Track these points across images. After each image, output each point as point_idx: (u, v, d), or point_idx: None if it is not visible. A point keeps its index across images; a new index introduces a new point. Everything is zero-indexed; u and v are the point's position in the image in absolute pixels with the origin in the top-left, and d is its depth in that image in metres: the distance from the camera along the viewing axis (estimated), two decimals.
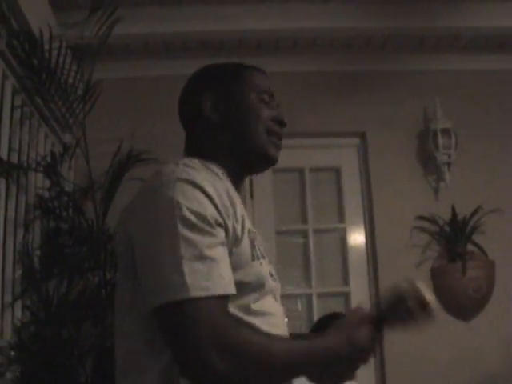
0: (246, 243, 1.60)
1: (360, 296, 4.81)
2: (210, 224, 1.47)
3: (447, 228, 4.78)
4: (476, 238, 4.73)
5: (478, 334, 4.64)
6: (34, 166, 3.90)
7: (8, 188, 3.60)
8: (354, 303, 4.81)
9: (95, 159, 3.98)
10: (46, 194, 4.04)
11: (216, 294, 1.42)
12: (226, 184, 1.64)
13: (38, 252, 3.92)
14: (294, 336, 1.87)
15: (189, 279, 1.39)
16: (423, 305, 1.78)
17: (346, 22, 4.62)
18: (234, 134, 1.77)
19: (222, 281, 1.45)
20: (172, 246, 1.42)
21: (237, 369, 1.40)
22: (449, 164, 4.88)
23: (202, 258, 1.43)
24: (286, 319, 1.92)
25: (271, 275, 1.72)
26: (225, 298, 1.46)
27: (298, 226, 5.15)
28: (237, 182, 1.77)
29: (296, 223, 5.15)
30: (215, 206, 1.50)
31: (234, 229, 1.55)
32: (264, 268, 1.67)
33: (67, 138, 4.55)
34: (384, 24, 4.64)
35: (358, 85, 5.08)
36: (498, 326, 4.66)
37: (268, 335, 1.52)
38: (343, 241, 5.04)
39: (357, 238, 5.00)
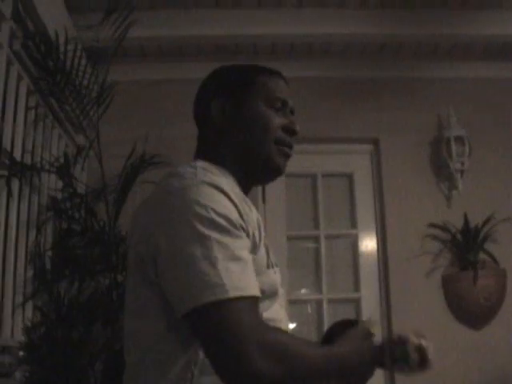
0: (262, 251, 1.59)
1: (371, 302, 4.80)
2: (236, 227, 1.46)
3: (459, 236, 4.76)
4: (488, 246, 4.71)
5: (489, 343, 4.62)
6: (47, 166, 3.91)
7: (21, 189, 3.61)
8: (364, 309, 4.80)
9: (108, 161, 3.98)
10: (59, 196, 4.05)
11: (251, 294, 1.41)
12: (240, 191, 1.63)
13: (49, 253, 3.93)
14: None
15: (226, 280, 1.37)
16: (423, 362, 1.78)
17: (361, 28, 4.61)
18: (239, 142, 1.74)
19: (254, 282, 1.44)
20: (205, 248, 1.40)
21: (279, 370, 1.37)
22: (462, 172, 4.87)
23: (234, 258, 1.41)
24: (292, 325, 1.92)
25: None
26: (257, 299, 1.44)
27: (309, 232, 5.15)
28: (244, 191, 1.73)
29: (308, 228, 5.14)
30: (238, 211, 1.49)
31: (254, 236, 1.54)
32: (277, 276, 1.67)
33: (81, 139, 4.56)
34: (399, 31, 4.64)
35: (372, 91, 5.08)
36: (508, 335, 4.64)
37: (302, 338, 1.51)
38: (355, 247, 5.03)
39: (368, 244, 4.99)
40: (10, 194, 3.40)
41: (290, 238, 5.00)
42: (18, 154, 3.52)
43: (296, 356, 1.42)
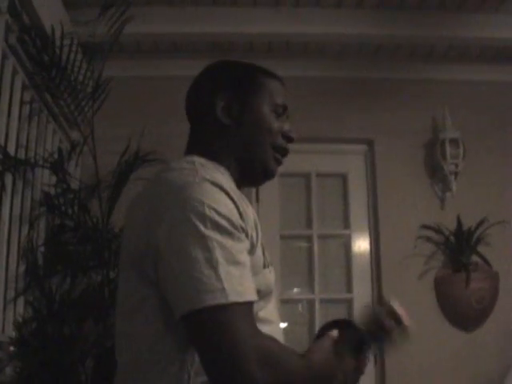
0: (259, 251, 1.58)
1: (363, 303, 4.80)
2: (237, 229, 1.44)
3: (452, 238, 4.77)
4: (481, 249, 4.72)
5: (481, 345, 4.63)
6: (40, 162, 3.90)
7: (14, 183, 3.60)
8: (356, 310, 4.80)
9: (102, 157, 3.97)
10: (52, 191, 4.04)
11: (248, 299, 1.40)
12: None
13: (42, 248, 3.93)
14: None
15: (226, 284, 1.36)
16: (397, 321, 1.79)
17: (357, 28, 4.61)
18: (241, 142, 1.73)
19: (251, 287, 1.43)
20: (207, 250, 1.38)
21: (272, 378, 1.36)
22: (456, 174, 4.88)
23: (234, 262, 1.40)
24: (284, 324, 1.92)
25: None
26: (253, 304, 1.43)
27: (302, 231, 5.14)
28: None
29: (301, 228, 5.14)
30: (238, 211, 1.48)
31: (251, 236, 1.53)
32: (272, 276, 1.66)
33: (75, 135, 4.55)
34: (395, 32, 4.64)
35: (367, 92, 5.08)
36: (500, 338, 4.64)
37: (290, 348, 1.49)
38: (347, 247, 5.03)
39: (361, 244, 4.99)
40: (3, 188, 3.39)
41: (283, 238, 5.00)
42: (11, 149, 3.52)
43: (288, 366, 1.42)
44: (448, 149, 4.85)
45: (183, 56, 4.85)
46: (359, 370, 1.73)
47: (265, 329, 1.54)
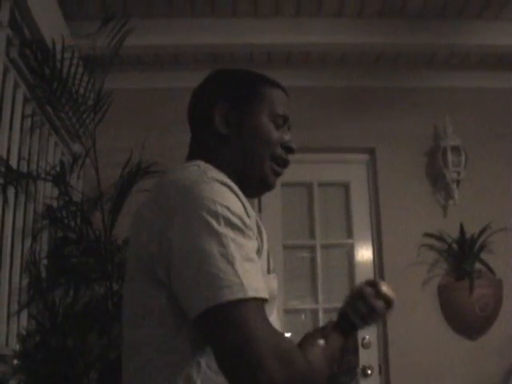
0: (264, 255, 1.58)
1: None
2: (247, 227, 1.44)
3: (455, 246, 4.76)
4: (484, 256, 4.71)
5: (485, 353, 4.62)
6: (43, 175, 3.90)
7: (17, 196, 3.60)
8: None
9: (104, 170, 3.98)
10: (55, 204, 4.04)
11: (263, 296, 1.39)
12: None
13: (45, 261, 3.92)
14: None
15: (244, 279, 1.34)
16: (380, 295, 1.80)
17: (358, 37, 4.62)
18: (240, 152, 1.72)
19: (264, 285, 1.41)
20: (222, 246, 1.36)
21: (289, 374, 1.34)
22: (458, 181, 4.88)
23: (248, 259, 1.39)
24: (288, 334, 1.93)
25: None
26: (265, 301, 1.41)
27: (305, 241, 5.15)
28: None
29: (304, 238, 5.14)
30: (246, 211, 1.47)
31: (257, 239, 1.51)
32: (275, 282, 1.65)
33: (77, 147, 4.56)
34: (395, 40, 4.64)
35: (368, 100, 5.09)
36: (504, 345, 4.63)
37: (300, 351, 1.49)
38: (351, 256, 5.03)
39: (364, 253, 4.99)
40: (5, 201, 3.39)
41: (285, 248, 5.00)
42: (13, 162, 3.52)
43: (301, 365, 1.40)
44: (450, 156, 4.85)
45: (184, 68, 4.87)
46: (347, 349, 1.74)
47: None
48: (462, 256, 4.73)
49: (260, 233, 1.57)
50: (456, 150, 4.88)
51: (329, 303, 4.92)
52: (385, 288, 1.84)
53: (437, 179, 4.98)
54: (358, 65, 5.10)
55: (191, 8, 4.38)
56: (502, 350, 4.62)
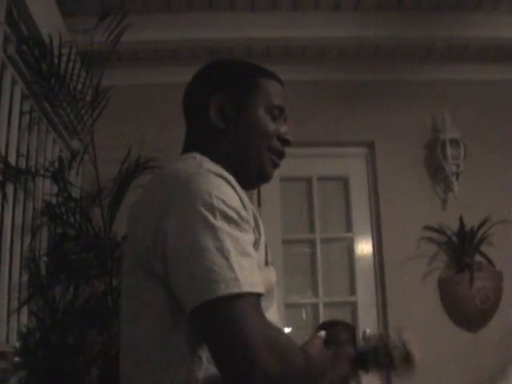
0: (262, 247, 1.57)
1: (367, 306, 4.80)
2: (244, 220, 1.43)
3: (455, 238, 4.76)
4: (484, 248, 4.71)
5: (486, 345, 4.62)
6: (41, 171, 3.90)
7: (15, 193, 3.60)
8: (360, 313, 4.80)
9: (103, 165, 3.97)
10: (54, 200, 4.04)
11: (259, 291, 1.38)
12: None
13: (44, 258, 3.92)
14: None
15: (239, 274, 1.33)
16: (407, 358, 1.80)
17: (355, 30, 4.62)
18: (236, 145, 1.71)
19: (260, 280, 1.40)
20: (217, 240, 1.35)
21: (284, 368, 1.33)
22: (457, 174, 4.87)
23: (244, 253, 1.38)
24: (288, 329, 1.92)
25: None
26: (260, 297, 1.41)
27: (305, 235, 5.15)
28: None
29: (303, 232, 5.14)
30: (243, 204, 1.46)
31: (254, 231, 1.51)
32: (274, 274, 1.64)
33: (75, 143, 4.55)
34: (393, 33, 4.64)
35: (367, 94, 5.08)
36: (505, 337, 4.63)
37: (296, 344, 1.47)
38: (350, 250, 5.03)
39: (364, 247, 4.98)
40: (4, 198, 3.38)
41: (285, 242, 4.99)
42: (12, 159, 3.51)
43: (296, 359, 1.39)
44: (449, 149, 4.85)
45: (182, 63, 4.86)
46: (353, 375, 1.74)
47: None
48: (461, 249, 4.73)
49: (257, 225, 1.56)
50: (455, 142, 4.88)
51: (329, 297, 4.92)
52: (411, 346, 1.82)
53: (436, 172, 4.98)
54: (356, 58, 5.10)
55: (189, 3, 4.38)
56: (503, 342, 4.62)
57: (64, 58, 3.76)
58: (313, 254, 5.04)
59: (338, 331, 3.44)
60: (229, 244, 1.36)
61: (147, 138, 4.39)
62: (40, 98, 3.89)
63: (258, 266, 1.45)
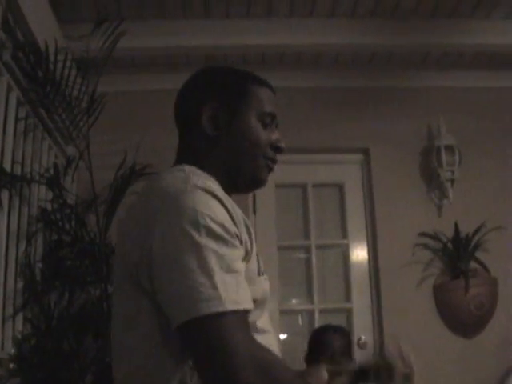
0: (254, 258, 1.56)
1: (362, 312, 4.80)
2: (232, 236, 1.42)
3: (450, 245, 4.77)
4: (479, 255, 4.72)
5: (481, 352, 4.62)
6: (37, 177, 3.90)
7: (11, 200, 3.59)
8: (356, 319, 4.80)
9: (98, 172, 3.97)
10: (49, 206, 4.04)
11: (244, 308, 1.38)
12: None
13: (39, 264, 3.92)
14: None
15: (222, 292, 1.33)
16: (407, 376, 1.79)
17: (351, 37, 4.62)
18: (229, 153, 1.70)
19: (247, 295, 1.41)
20: (201, 258, 1.35)
21: None
22: (452, 181, 4.88)
23: (229, 270, 1.38)
24: (284, 336, 1.93)
25: None
26: (248, 313, 1.41)
27: (300, 242, 5.14)
28: None
29: (298, 239, 5.14)
30: (232, 218, 1.46)
31: (246, 243, 1.50)
32: (267, 284, 1.64)
33: (71, 150, 4.55)
34: (388, 40, 4.65)
35: (362, 101, 5.09)
36: (500, 344, 4.64)
37: (284, 362, 1.46)
38: (346, 257, 5.03)
39: (359, 254, 4.99)
40: None
41: (280, 249, 4.99)
42: (7, 165, 3.51)
43: (282, 379, 1.38)
44: (444, 156, 4.85)
45: (177, 69, 4.85)
46: None
47: (262, 338, 1.53)
48: (457, 255, 4.73)
49: (249, 234, 1.55)
50: (450, 149, 4.89)
51: (324, 304, 4.92)
52: (413, 366, 1.82)
53: (431, 179, 4.98)
54: (352, 65, 5.11)
55: (184, 10, 4.38)
56: (498, 349, 4.63)
57: (60, 65, 3.76)
58: (308, 261, 5.04)
59: (333, 339, 3.44)
60: (213, 262, 1.36)
61: (143, 144, 4.39)
62: (35, 104, 3.89)
63: (248, 279, 1.46)
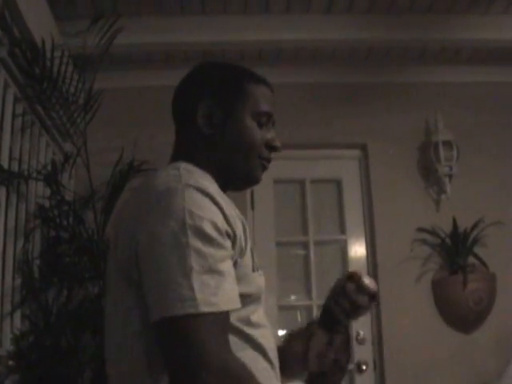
0: (248, 254, 1.57)
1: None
2: (221, 234, 1.43)
3: (448, 240, 4.77)
4: (477, 250, 4.72)
5: (479, 347, 4.62)
6: (34, 174, 3.89)
7: (8, 196, 3.59)
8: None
9: (96, 168, 3.97)
10: (47, 203, 4.03)
11: (222, 310, 1.38)
12: None
13: (37, 261, 3.91)
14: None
15: (198, 294, 1.34)
16: (363, 289, 1.80)
17: (348, 33, 4.62)
18: (223, 151, 1.70)
19: (228, 296, 1.40)
20: (183, 258, 1.36)
21: None
22: (450, 176, 4.88)
23: (211, 271, 1.38)
24: (282, 332, 1.94)
25: None
26: (228, 313, 1.42)
27: (298, 238, 5.14)
28: None
29: (297, 235, 5.14)
30: (224, 215, 1.46)
31: (240, 239, 1.51)
32: (262, 279, 1.64)
33: (68, 146, 4.54)
34: (385, 35, 4.64)
35: (360, 96, 5.09)
36: (499, 339, 4.64)
37: (252, 373, 1.43)
38: (344, 252, 5.03)
39: (357, 249, 4.99)
40: None
41: (278, 244, 4.99)
42: (5, 162, 3.50)
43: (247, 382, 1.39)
44: (441, 151, 4.85)
45: (175, 66, 4.84)
46: (337, 346, 1.75)
47: (258, 333, 1.54)
48: (455, 250, 4.74)
49: (244, 230, 1.56)
50: (448, 144, 4.89)
51: (323, 299, 4.88)
52: (367, 281, 1.83)
53: (429, 174, 4.98)
54: (349, 61, 5.10)
55: (181, 6, 4.37)
56: (497, 344, 4.63)
57: (56, 61, 3.75)
58: (306, 257, 5.04)
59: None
60: (194, 262, 1.37)
61: (140, 140, 4.38)
62: (32, 101, 3.88)
63: (242, 275, 1.49)
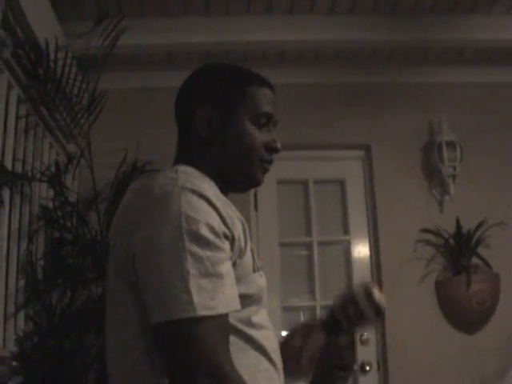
0: (248, 255, 1.56)
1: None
2: (218, 237, 1.42)
3: (452, 241, 4.76)
4: (481, 251, 4.71)
5: (483, 348, 4.62)
6: (38, 175, 3.90)
7: (12, 198, 3.59)
8: None
9: (99, 170, 3.98)
10: (50, 204, 4.04)
11: (220, 313, 1.38)
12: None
13: (41, 262, 3.92)
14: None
15: (195, 297, 1.34)
16: (372, 303, 1.80)
17: (351, 34, 4.62)
18: (223, 156, 1.70)
19: (227, 299, 1.40)
20: (179, 262, 1.36)
21: None
22: (454, 177, 4.87)
23: (208, 274, 1.37)
24: (285, 332, 1.94)
25: None
26: (227, 316, 1.42)
27: (302, 238, 5.14)
28: None
29: (300, 235, 5.14)
30: (221, 217, 1.45)
31: (239, 240, 1.50)
32: (263, 280, 1.64)
33: (72, 148, 4.55)
34: (389, 36, 4.64)
35: (363, 97, 5.08)
36: (502, 339, 4.63)
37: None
38: (347, 253, 5.02)
39: (361, 250, 4.98)
40: (0, 203, 3.38)
41: (282, 245, 4.99)
42: (8, 163, 3.51)
43: None
44: (445, 152, 4.85)
45: (178, 66, 4.85)
46: (343, 346, 1.75)
47: (259, 334, 1.54)
48: (458, 251, 4.73)
49: (244, 231, 1.56)
50: (451, 145, 4.88)
51: (326, 300, 4.90)
52: (377, 296, 1.83)
53: (432, 174, 4.98)
54: (352, 61, 5.10)
55: (184, 7, 4.38)
56: (500, 344, 4.62)
57: (60, 63, 3.76)
58: (310, 257, 5.04)
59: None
60: (191, 266, 1.37)
61: (143, 141, 4.39)
62: (36, 102, 3.89)
63: (242, 275, 1.49)
